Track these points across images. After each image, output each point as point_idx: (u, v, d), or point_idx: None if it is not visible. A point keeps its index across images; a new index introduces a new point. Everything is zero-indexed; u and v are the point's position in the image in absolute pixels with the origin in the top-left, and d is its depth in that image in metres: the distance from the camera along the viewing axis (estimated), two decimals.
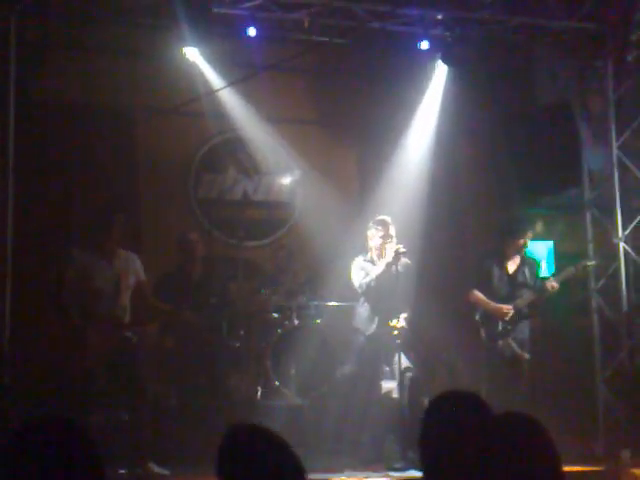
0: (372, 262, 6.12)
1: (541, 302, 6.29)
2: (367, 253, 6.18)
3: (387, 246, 6.01)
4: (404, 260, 6.01)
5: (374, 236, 6.11)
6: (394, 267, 5.86)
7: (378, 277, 5.99)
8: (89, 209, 6.27)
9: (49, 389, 5.56)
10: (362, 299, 6.18)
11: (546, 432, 1.97)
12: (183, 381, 6.26)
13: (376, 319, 6.07)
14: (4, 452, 1.67)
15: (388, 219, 6.14)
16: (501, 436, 1.90)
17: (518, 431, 1.93)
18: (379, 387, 6.15)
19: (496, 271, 6.25)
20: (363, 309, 6.16)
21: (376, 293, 6.04)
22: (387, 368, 6.18)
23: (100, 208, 6.00)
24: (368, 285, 6.04)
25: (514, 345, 6.14)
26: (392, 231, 6.07)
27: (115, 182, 7.09)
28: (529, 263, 6.39)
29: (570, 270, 6.37)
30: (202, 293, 6.19)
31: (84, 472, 1.64)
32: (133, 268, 5.58)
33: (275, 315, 6.99)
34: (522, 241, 6.26)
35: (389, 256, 5.91)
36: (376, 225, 6.13)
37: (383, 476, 5.58)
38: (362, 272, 6.11)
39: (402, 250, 5.88)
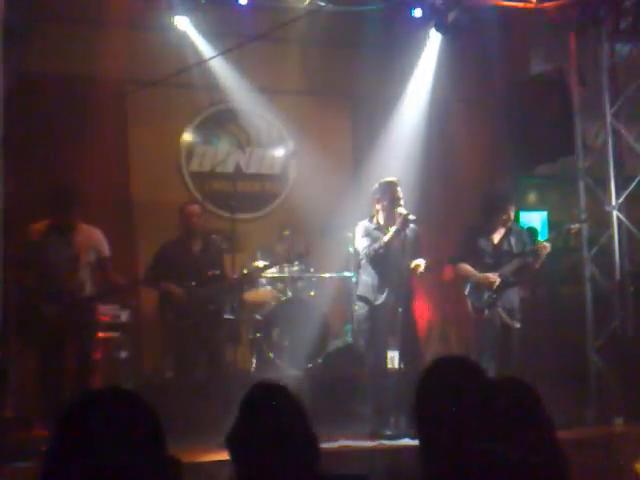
0: (378, 227, 5.84)
1: (531, 267, 6.23)
2: (372, 218, 5.89)
3: (396, 210, 5.71)
4: (412, 226, 5.78)
5: (381, 199, 5.82)
6: (402, 233, 5.67)
7: (387, 244, 5.72)
8: (51, 185, 6.11)
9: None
10: (367, 266, 5.86)
11: (540, 398, 1.98)
12: (179, 354, 6.25)
13: (386, 289, 5.77)
14: (78, 417, 1.66)
15: (395, 180, 5.85)
16: (500, 401, 1.91)
17: (515, 397, 1.94)
18: (386, 358, 6.00)
19: (482, 243, 6.24)
20: (369, 277, 5.85)
21: (385, 260, 5.76)
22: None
23: (61, 187, 5.82)
24: (376, 251, 5.74)
25: (503, 314, 6.14)
26: (400, 193, 5.78)
27: (105, 154, 7.02)
28: (515, 231, 6.36)
29: (552, 234, 6.37)
30: (203, 266, 6.15)
31: (152, 440, 1.69)
32: (94, 244, 5.66)
33: (269, 287, 6.99)
34: (505, 216, 6.25)
35: (397, 222, 5.69)
36: (383, 187, 5.82)
37: (377, 445, 5.61)
38: (367, 238, 5.83)
39: (412, 217, 5.68)
